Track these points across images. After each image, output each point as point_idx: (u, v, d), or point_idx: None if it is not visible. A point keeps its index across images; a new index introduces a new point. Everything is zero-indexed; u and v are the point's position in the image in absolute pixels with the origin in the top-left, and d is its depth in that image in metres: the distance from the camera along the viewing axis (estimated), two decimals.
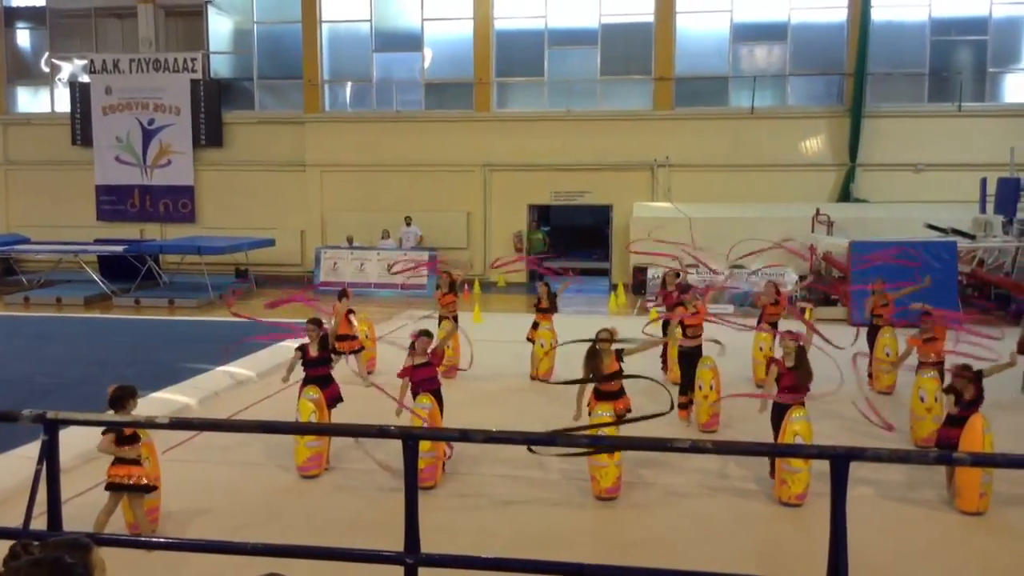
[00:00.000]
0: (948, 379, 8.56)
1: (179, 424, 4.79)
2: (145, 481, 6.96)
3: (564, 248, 27.80)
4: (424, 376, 8.70)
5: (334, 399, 9.09)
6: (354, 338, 12.51)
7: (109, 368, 13.18)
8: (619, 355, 8.56)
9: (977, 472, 7.52)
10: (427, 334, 8.94)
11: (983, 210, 19.99)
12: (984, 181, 20.02)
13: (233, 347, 12.63)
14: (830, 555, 4.09)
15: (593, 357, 8.48)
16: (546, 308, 12.91)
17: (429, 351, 8.79)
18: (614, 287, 21.51)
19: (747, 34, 23.51)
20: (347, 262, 22.75)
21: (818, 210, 21.07)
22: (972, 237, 19.06)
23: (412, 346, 8.82)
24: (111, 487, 6.95)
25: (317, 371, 9.09)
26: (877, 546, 7.04)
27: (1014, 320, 13.01)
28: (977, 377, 8.02)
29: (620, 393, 8.57)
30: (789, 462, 7.77)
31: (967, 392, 7.94)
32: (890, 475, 8.42)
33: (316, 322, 9.31)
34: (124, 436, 6.89)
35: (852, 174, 22.70)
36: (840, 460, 4.02)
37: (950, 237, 18.65)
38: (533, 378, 12.63)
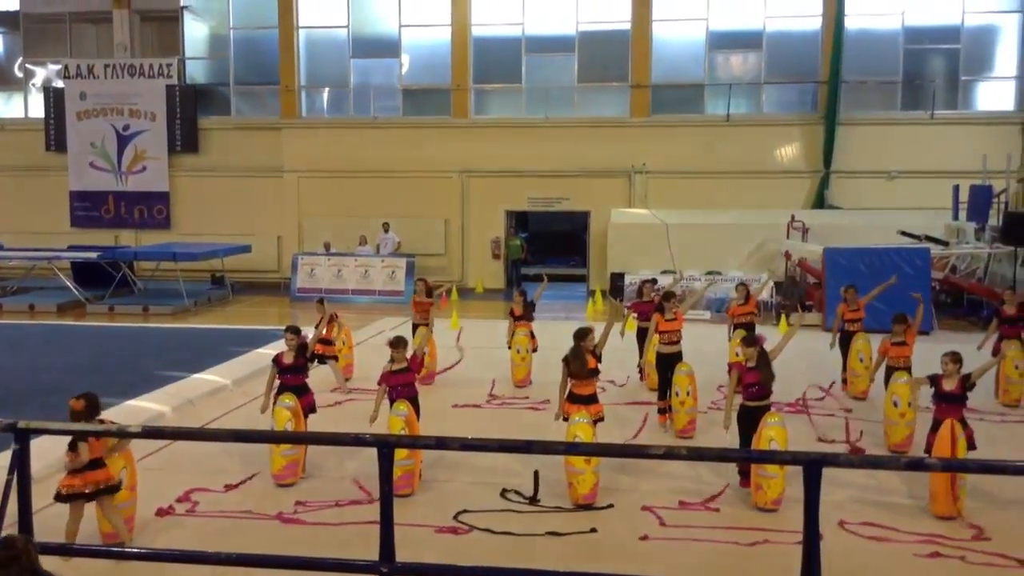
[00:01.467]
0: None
1: (152, 433, 4.74)
2: (93, 487, 6.83)
3: (542, 254, 27.87)
4: (401, 382, 8.67)
5: (308, 408, 9.02)
6: (331, 343, 12.52)
7: (82, 376, 13.05)
8: (594, 353, 8.58)
9: (951, 476, 7.59)
10: (401, 341, 8.88)
11: (956, 217, 20.19)
12: (957, 188, 20.23)
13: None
14: (803, 560, 4.13)
15: (576, 356, 8.48)
16: (520, 316, 12.93)
17: (408, 357, 8.77)
18: (592, 293, 21.57)
19: (723, 42, 23.68)
20: (324, 268, 22.69)
21: (793, 216, 21.22)
22: (945, 244, 19.25)
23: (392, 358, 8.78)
24: (61, 498, 6.84)
25: (292, 379, 9.05)
26: (851, 550, 7.08)
27: (986, 326, 13.12)
28: (964, 377, 8.10)
29: (594, 398, 8.56)
30: (764, 467, 7.81)
31: (948, 382, 8.02)
32: (865, 479, 8.48)
33: (294, 330, 9.25)
34: (72, 444, 6.79)
35: (826, 181, 22.89)
36: (812, 466, 4.05)
37: (923, 244, 18.83)
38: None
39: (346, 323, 13.74)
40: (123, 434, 6.13)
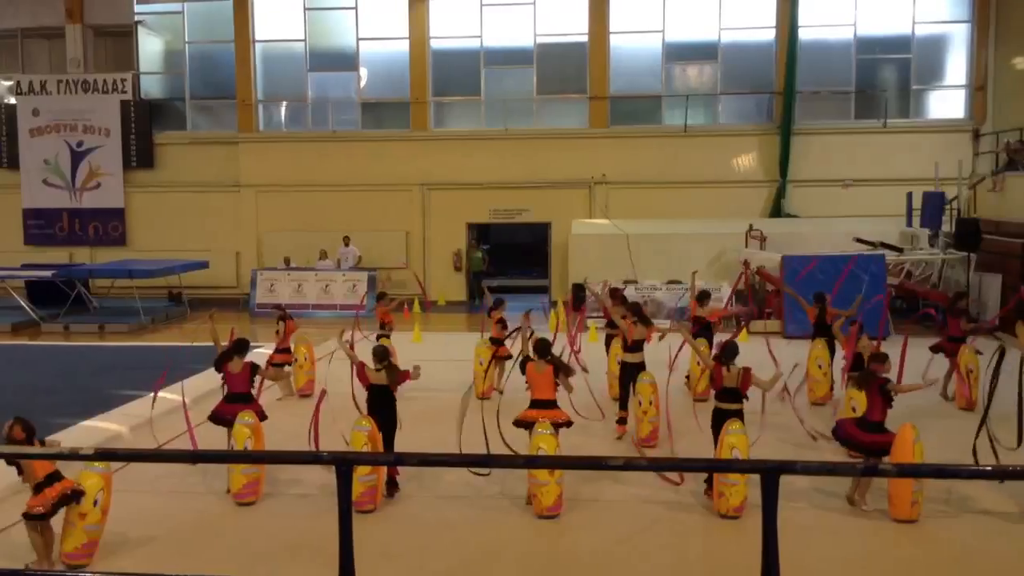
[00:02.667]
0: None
1: (105, 456, 4.65)
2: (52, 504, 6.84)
3: (503, 266, 27.87)
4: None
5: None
6: (288, 352, 12.62)
7: (37, 397, 12.81)
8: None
9: (908, 481, 7.68)
10: (384, 350, 8.88)
11: (909, 223, 20.52)
12: (910, 195, 20.56)
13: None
14: (763, 568, 4.13)
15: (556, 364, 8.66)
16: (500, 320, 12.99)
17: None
18: (554, 304, 21.57)
19: (679, 53, 23.88)
20: (284, 283, 22.50)
21: (751, 225, 21.43)
22: (900, 250, 19.55)
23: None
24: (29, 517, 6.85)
25: (239, 389, 9.10)
26: (812, 555, 7.14)
27: (940, 330, 13.34)
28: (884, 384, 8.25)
29: (555, 403, 8.65)
30: (726, 475, 7.86)
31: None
32: (826, 485, 8.56)
33: (243, 343, 9.29)
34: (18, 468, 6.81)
35: (783, 190, 23.15)
36: (770, 474, 4.06)
37: (878, 250, 19.11)
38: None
39: (307, 337, 13.65)
40: (75, 457, 6.00)
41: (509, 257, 28.52)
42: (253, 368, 9.23)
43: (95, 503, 7.00)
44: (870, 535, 7.67)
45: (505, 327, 12.94)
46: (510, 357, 12.81)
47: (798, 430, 10.51)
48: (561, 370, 8.64)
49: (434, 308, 22.99)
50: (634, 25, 23.77)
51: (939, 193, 19.84)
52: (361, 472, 7.92)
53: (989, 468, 5.17)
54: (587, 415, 10.81)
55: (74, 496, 6.88)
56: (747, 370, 8.42)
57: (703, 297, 12.91)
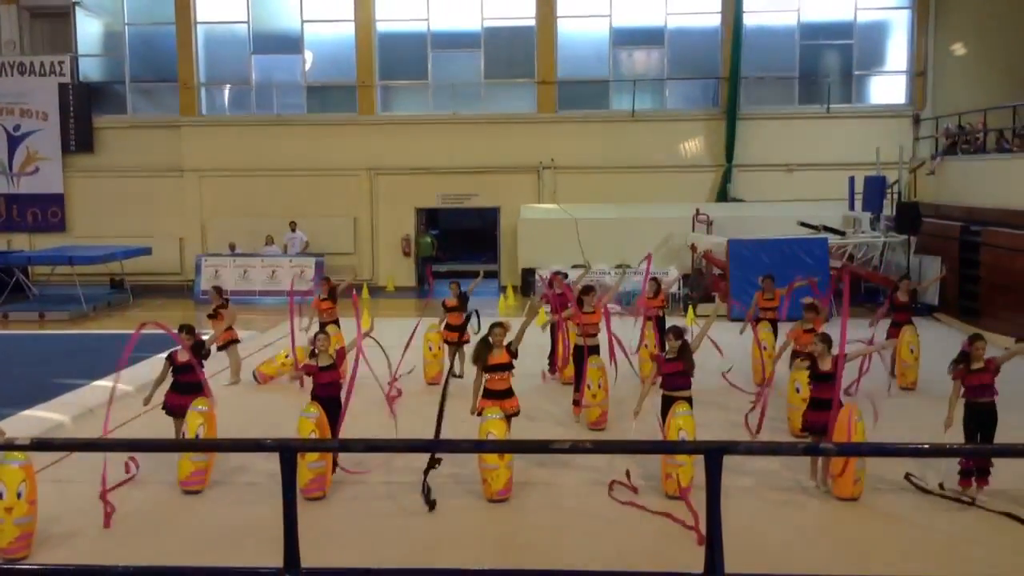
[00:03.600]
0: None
1: (42, 445, 4.54)
2: None
3: (453, 251, 27.80)
4: (327, 380, 8.57)
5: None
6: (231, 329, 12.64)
7: None
8: (510, 349, 8.63)
9: (851, 459, 7.84)
10: (325, 333, 8.90)
11: (852, 207, 20.87)
12: (852, 179, 20.90)
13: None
14: (707, 546, 4.20)
15: (483, 348, 8.55)
16: (454, 307, 12.85)
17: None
18: (503, 289, 21.61)
19: (626, 38, 23.95)
20: (229, 270, 22.16)
21: (698, 210, 21.63)
22: (842, 233, 19.89)
23: (313, 352, 8.71)
24: None
25: (185, 377, 8.88)
26: (758, 533, 7.26)
27: (884, 313, 13.59)
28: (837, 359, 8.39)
29: (509, 393, 8.61)
30: (673, 456, 7.95)
31: (823, 362, 8.27)
32: (771, 464, 8.70)
33: (189, 329, 9.09)
34: None
35: (729, 174, 23.39)
36: (714, 454, 4.11)
37: (821, 234, 19.42)
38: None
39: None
40: (12, 447, 5.89)
41: (458, 242, 28.46)
42: (196, 348, 9.06)
43: (19, 495, 6.86)
44: (814, 513, 7.82)
45: (465, 304, 12.86)
46: (467, 342, 12.76)
47: (743, 409, 10.66)
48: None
49: (383, 294, 22.87)
50: (581, 10, 23.80)
51: (880, 177, 20.21)
52: (310, 459, 7.86)
53: (927, 446, 5.29)
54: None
55: None
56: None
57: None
